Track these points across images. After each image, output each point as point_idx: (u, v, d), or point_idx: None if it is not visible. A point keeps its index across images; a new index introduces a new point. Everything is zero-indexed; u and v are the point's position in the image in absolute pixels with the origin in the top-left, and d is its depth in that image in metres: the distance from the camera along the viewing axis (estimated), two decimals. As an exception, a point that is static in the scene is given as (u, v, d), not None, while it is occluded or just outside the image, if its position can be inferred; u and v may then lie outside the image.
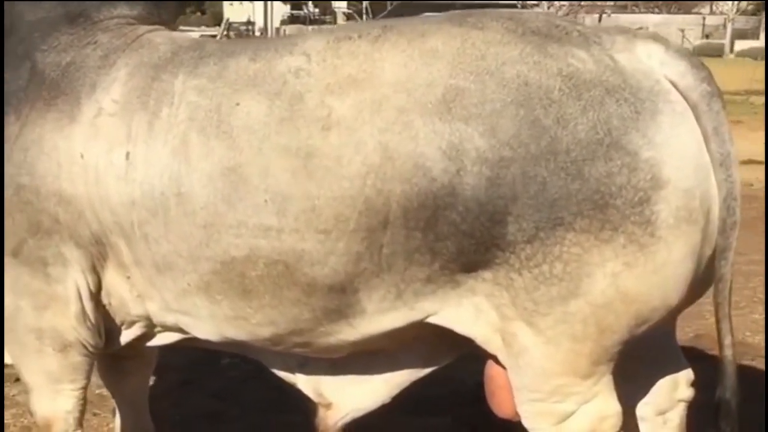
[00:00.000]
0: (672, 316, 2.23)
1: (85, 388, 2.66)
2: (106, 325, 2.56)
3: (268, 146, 2.15)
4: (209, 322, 2.38)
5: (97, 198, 2.30)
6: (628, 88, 2.03)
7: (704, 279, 2.14)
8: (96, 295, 2.48)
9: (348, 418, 2.56)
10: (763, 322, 5.05)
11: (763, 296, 5.42)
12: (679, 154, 2.01)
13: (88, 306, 2.48)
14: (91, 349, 2.56)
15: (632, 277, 2.03)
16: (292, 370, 2.61)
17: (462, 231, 2.06)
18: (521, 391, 2.23)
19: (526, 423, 2.27)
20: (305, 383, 2.59)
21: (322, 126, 2.12)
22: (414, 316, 2.23)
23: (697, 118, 2.06)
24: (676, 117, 2.04)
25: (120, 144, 2.28)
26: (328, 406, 2.56)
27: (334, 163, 2.10)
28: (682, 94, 2.08)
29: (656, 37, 2.17)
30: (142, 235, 2.28)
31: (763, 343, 4.63)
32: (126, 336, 2.60)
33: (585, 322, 2.08)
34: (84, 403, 2.69)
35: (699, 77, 2.09)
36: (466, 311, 2.19)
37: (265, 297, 2.25)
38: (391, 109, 2.08)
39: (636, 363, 2.39)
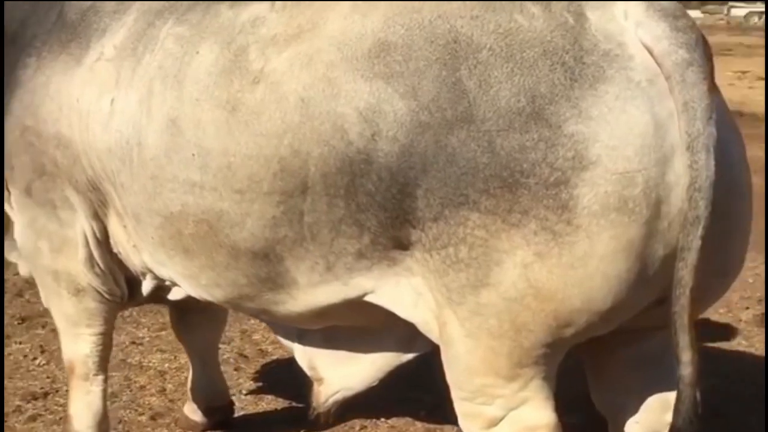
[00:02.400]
0: (614, 323, 1.88)
1: (104, 334, 2.74)
2: (124, 273, 2.62)
3: (205, 98, 2.09)
4: (177, 279, 2.38)
5: (88, 144, 2.35)
6: (572, 51, 1.75)
7: (665, 284, 1.78)
8: (105, 242, 2.54)
9: (339, 396, 2.48)
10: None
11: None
12: (619, 132, 1.70)
13: (96, 252, 2.55)
14: (107, 296, 2.64)
15: (545, 270, 1.75)
16: (292, 339, 2.56)
17: (377, 202, 1.88)
18: (452, 388, 2.03)
19: (460, 424, 2.06)
20: (301, 354, 2.53)
21: (253, 79, 2.03)
22: (349, 292, 2.08)
23: (671, 91, 1.71)
24: (629, 87, 1.72)
25: (108, 90, 2.31)
26: (320, 381, 2.48)
27: (254, 118, 2.01)
28: (656, 61, 1.74)
29: None
30: (120, 184, 2.31)
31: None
32: (145, 287, 2.64)
33: (499, 317, 1.83)
34: (104, 349, 2.77)
35: (678, 42, 1.73)
36: (406, 292, 2.01)
37: (202, 257, 2.21)
38: (320, 64, 1.95)
39: (631, 374, 2.10)
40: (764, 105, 9.67)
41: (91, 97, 2.33)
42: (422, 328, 2.04)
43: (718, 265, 1.84)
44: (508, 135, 1.72)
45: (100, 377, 2.80)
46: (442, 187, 1.78)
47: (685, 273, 1.69)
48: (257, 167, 1.99)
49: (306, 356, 2.51)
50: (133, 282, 2.66)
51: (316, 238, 1.99)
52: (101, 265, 2.57)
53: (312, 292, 2.12)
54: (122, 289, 2.66)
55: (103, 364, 2.80)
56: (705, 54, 1.73)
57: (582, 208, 1.68)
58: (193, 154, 2.09)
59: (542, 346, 1.84)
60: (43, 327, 4.54)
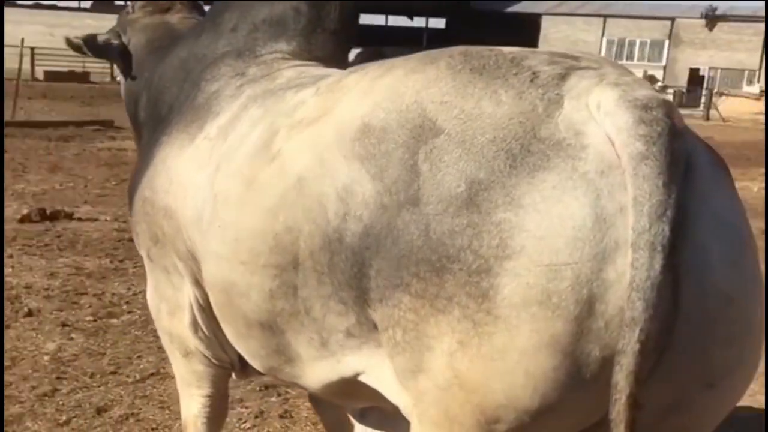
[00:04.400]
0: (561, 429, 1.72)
1: (213, 397, 2.74)
2: None
3: (236, 174, 2.17)
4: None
5: (184, 216, 2.41)
6: (523, 139, 1.63)
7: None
8: (208, 309, 2.52)
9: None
10: None
11: None
12: (549, 222, 1.56)
13: (200, 317, 2.57)
14: (214, 360, 2.64)
15: (467, 360, 1.62)
16: (356, 418, 2.65)
17: (347, 281, 1.85)
18: None
19: None
20: None
21: (272, 158, 2.07)
22: (343, 370, 2.03)
23: (628, 184, 1.57)
24: (571, 177, 1.57)
25: (201, 167, 2.36)
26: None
27: (260, 194, 2.05)
28: (617, 153, 1.60)
29: (631, 83, 1.67)
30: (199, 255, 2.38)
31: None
32: None
33: (437, 407, 1.72)
34: (214, 411, 2.77)
35: (636, 134, 1.56)
36: (391, 375, 1.91)
37: (231, 327, 2.28)
38: (321, 145, 1.95)
39: None
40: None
41: (190, 171, 2.41)
42: (404, 412, 1.94)
43: (697, 373, 1.65)
44: (441, 219, 1.65)
45: None
46: (386, 268, 1.73)
47: (620, 378, 1.51)
48: (257, 241, 2.03)
49: None
50: None
51: (309, 313, 1.97)
52: (205, 330, 2.58)
53: (312, 367, 2.09)
54: (230, 355, 2.64)
55: (212, 426, 2.80)
56: (669, 148, 1.55)
57: (502, 298, 1.57)
58: (219, 226, 2.17)
59: None
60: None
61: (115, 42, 3.15)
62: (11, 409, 3.71)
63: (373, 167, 1.79)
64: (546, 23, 39.37)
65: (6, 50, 18.00)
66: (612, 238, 1.54)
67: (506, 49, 1.89)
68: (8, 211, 7.50)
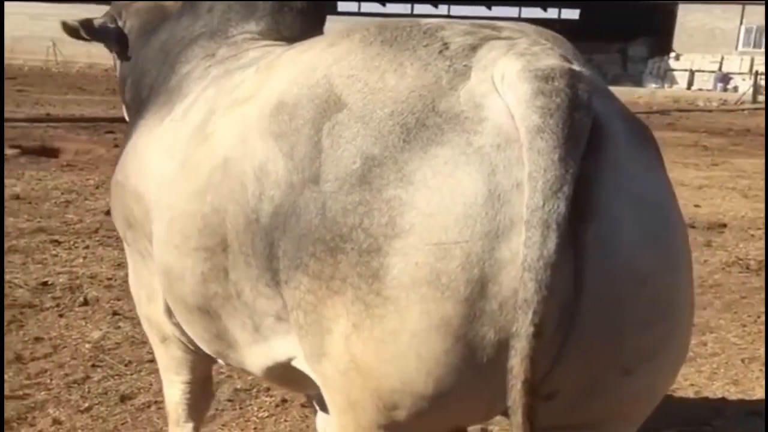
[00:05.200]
0: (460, 415, 1.64)
1: (193, 383, 2.69)
2: None
3: (176, 156, 2.16)
4: None
5: (149, 200, 2.38)
6: (420, 113, 1.57)
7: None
8: None
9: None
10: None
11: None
12: (439, 199, 1.48)
13: None
14: (190, 346, 2.57)
15: (360, 343, 1.57)
16: (318, 405, 2.70)
17: (263, 263, 1.79)
18: None
19: None
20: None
21: (204, 138, 2.05)
22: (276, 356, 1.97)
23: (524, 159, 1.46)
24: (464, 152, 1.49)
25: (165, 150, 2.32)
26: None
27: (191, 175, 2.01)
28: (516, 126, 1.50)
29: (538, 53, 1.56)
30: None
31: None
32: None
33: (339, 392, 1.67)
34: (194, 398, 2.72)
35: (533, 105, 1.45)
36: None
37: (176, 310, 2.27)
38: (245, 124, 1.90)
39: None
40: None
41: (155, 154, 2.36)
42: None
43: (610, 357, 1.55)
44: (336, 197, 1.59)
45: (190, 425, 2.79)
46: (290, 248, 1.67)
47: (515, 363, 1.41)
48: (187, 223, 2.00)
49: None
50: None
51: (240, 297, 1.91)
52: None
53: (250, 352, 2.04)
54: None
55: (194, 413, 2.76)
56: (567, 121, 1.44)
57: (391, 278, 1.51)
58: (158, 208, 2.17)
59: (383, 429, 1.64)
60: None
61: (112, 25, 3.12)
62: (37, 396, 3.77)
63: (286, 145, 1.73)
64: (682, 11, 37.85)
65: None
66: (507, 215, 1.46)
67: (425, 21, 1.80)
68: (100, 203, 7.74)
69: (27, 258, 5.84)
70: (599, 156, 1.49)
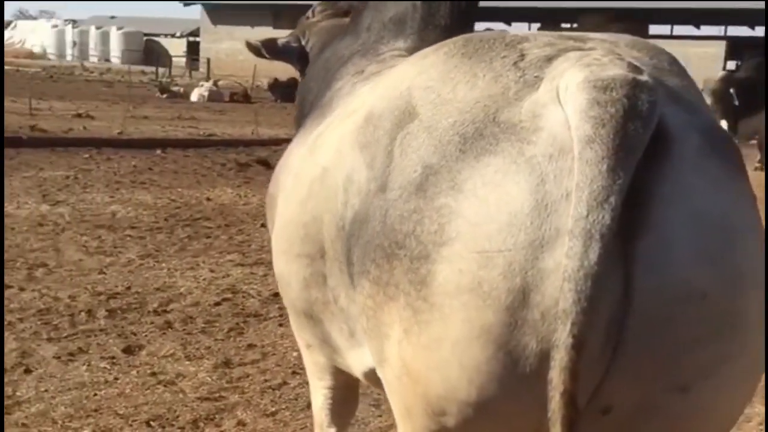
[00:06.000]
0: (514, 424, 1.58)
1: (335, 389, 2.71)
2: None
3: (292, 170, 2.30)
4: None
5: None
6: (481, 122, 1.58)
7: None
8: None
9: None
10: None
11: None
12: (485, 208, 1.49)
13: None
14: None
15: (410, 348, 1.58)
16: None
17: (348, 270, 1.85)
18: None
19: None
20: None
21: (314, 149, 2.17)
22: (368, 361, 1.95)
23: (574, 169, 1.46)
24: (515, 162, 1.50)
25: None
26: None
27: (298, 185, 2.13)
28: (572, 135, 1.49)
29: (606, 63, 1.54)
30: None
31: None
32: None
33: (397, 396, 1.70)
34: (336, 404, 2.74)
35: (587, 116, 1.45)
36: None
37: (290, 316, 2.43)
38: (342, 136, 1.99)
39: None
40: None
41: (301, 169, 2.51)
42: None
43: (664, 374, 1.49)
44: (396, 205, 1.62)
45: (333, 430, 2.82)
46: (359, 254, 1.71)
47: (554, 374, 1.40)
48: (291, 230, 2.12)
49: None
50: None
51: (337, 302, 2.00)
52: None
53: (350, 356, 2.13)
54: None
55: (336, 418, 2.78)
56: (619, 131, 1.41)
57: (437, 285, 1.51)
58: (276, 217, 2.33)
59: None
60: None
61: (294, 44, 3.27)
62: (230, 399, 3.97)
63: (368, 155, 1.77)
64: None
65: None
66: (553, 225, 1.45)
67: (515, 33, 1.82)
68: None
69: (269, 270, 6.19)
70: (659, 169, 1.45)
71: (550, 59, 1.62)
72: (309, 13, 3.42)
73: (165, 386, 4.05)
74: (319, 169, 2.01)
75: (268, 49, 3.23)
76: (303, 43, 3.22)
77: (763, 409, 4.00)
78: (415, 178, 1.60)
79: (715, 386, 1.52)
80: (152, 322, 4.92)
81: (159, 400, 3.89)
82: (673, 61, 1.76)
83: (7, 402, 3.73)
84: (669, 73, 1.67)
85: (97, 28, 58.92)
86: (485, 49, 1.72)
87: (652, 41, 1.80)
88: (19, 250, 6.31)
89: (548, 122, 1.52)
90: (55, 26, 61.44)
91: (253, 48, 3.25)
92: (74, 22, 63.99)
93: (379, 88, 1.98)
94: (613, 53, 1.60)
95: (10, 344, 4.38)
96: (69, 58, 55.29)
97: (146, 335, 4.72)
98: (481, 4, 2.93)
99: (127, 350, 4.47)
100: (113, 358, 4.36)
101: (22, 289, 5.33)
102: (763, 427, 4.10)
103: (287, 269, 2.17)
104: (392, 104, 1.78)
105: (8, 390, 3.85)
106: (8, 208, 7.70)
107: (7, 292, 5.22)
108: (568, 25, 43.52)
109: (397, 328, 1.60)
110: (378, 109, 1.83)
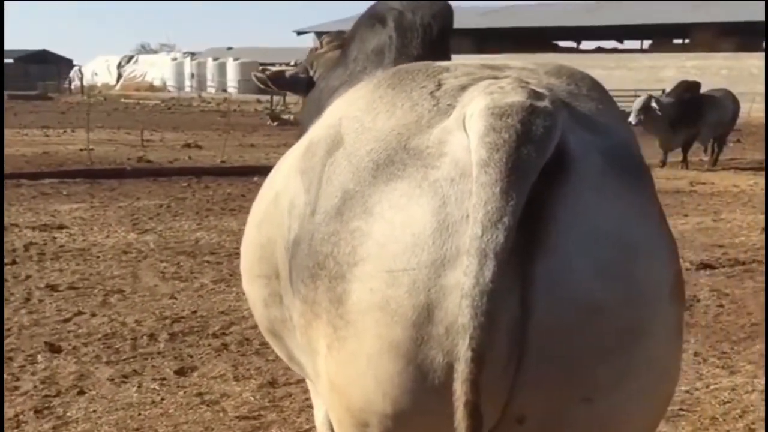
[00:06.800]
0: None
1: None
2: None
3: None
4: None
5: None
6: (392, 150, 1.68)
7: None
8: None
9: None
10: None
11: None
12: (391, 229, 1.59)
13: None
14: None
15: (333, 363, 1.69)
16: None
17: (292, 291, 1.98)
18: None
19: None
20: None
21: (273, 175, 2.29)
22: None
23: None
24: (420, 186, 1.60)
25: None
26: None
27: (257, 209, 2.27)
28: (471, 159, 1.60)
29: (508, 91, 1.62)
30: None
31: None
32: None
33: (330, 407, 1.80)
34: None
35: (483, 141, 1.54)
36: None
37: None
38: (291, 161, 2.12)
39: None
40: None
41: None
42: None
43: (569, 385, 1.57)
44: (320, 228, 1.73)
45: None
46: (294, 276, 1.83)
47: (457, 386, 1.47)
48: (250, 252, 2.26)
49: None
50: None
51: (293, 320, 2.08)
52: None
53: (313, 374, 2.19)
54: None
55: None
56: (512, 156, 1.49)
57: (352, 303, 1.62)
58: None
59: None
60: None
61: (302, 76, 3.35)
62: (268, 417, 4.08)
63: (306, 181, 1.88)
64: None
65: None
66: (454, 245, 1.54)
67: (438, 64, 1.92)
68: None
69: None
70: (559, 189, 1.53)
71: (464, 88, 1.71)
72: (318, 43, 3.52)
73: (208, 405, 4.21)
74: (273, 193, 2.12)
75: (275, 81, 3.32)
76: (311, 73, 3.28)
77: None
78: (335, 203, 1.70)
79: (620, 399, 1.59)
80: (209, 344, 5.10)
81: (199, 419, 4.05)
82: (593, 86, 1.84)
83: (56, 422, 3.95)
84: (585, 97, 1.75)
85: (214, 59, 60.86)
86: (408, 80, 1.82)
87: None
88: (99, 277, 6.64)
89: (452, 147, 1.61)
90: (174, 59, 63.79)
91: (260, 80, 3.34)
92: (192, 54, 66.43)
93: (322, 118, 2.08)
94: (520, 81, 1.68)
95: (70, 368, 4.63)
96: (187, 89, 57.24)
97: (201, 357, 4.90)
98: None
99: (180, 372, 4.65)
100: (164, 379, 4.54)
101: (93, 315, 5.62)
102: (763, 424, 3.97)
103: (250, 289, 2.31)
104: (326, 133, 1.88)
105: (59, 411, 4.08)
106: (97, 237, 8.11)
107: (78, 319, 5.52)
108: (680, 41, 42.34)
109: (322, 343, 1.70)
110: (316, 137, 1.93)
